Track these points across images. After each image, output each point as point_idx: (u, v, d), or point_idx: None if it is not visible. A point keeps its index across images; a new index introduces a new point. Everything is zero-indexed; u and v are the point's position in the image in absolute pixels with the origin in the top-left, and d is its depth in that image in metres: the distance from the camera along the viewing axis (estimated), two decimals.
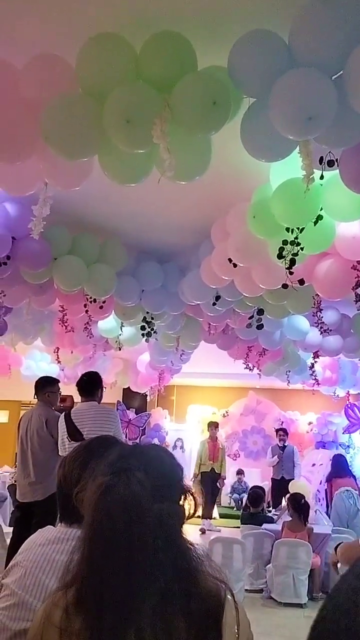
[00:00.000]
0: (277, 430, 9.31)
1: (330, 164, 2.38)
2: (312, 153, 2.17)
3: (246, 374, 6.94)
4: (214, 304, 4.43)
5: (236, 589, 4.99)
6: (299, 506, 5.39)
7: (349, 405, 10.01)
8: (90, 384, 4.24)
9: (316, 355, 5.91)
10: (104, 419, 4.03)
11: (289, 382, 7.32)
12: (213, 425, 9.51)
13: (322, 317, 4.34)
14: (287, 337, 5.73)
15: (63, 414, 4.17)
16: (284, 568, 5.09)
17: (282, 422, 11.77)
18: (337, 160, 2.37)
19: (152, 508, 0.92)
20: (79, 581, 0.95)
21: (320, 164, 2.38)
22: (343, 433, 10.38)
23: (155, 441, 12.37)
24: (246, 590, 5.38)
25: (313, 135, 2.00)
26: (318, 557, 5.31)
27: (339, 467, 6.87)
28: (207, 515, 8.84)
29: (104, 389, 4.34)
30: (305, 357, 6.67)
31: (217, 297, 4.40)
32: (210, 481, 9.02)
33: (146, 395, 9.72)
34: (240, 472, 11.07)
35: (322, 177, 2.47)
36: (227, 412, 12.63)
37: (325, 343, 5.78)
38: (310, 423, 11.60)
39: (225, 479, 9.44)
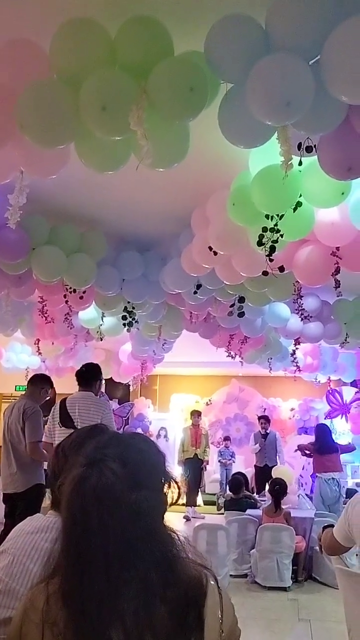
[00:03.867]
0: (259, 418, 9.40)
1: (309, 150, 2.38)
2: (291, 139, 2.17)
3: (228, 362, 6.97)
4: (195, 292, 4.43)
5: (221, 575, 5.06)
6: (277, 491, 5.47)
7: (330, 391, 10.14)
8: (88, 375, 4.39)
9: (297, 342, 5.96)
10: (96, 409, 4.17)
11: (270, 369, 7.38)
12: (196, 414, 9.66)
13: (302, 304, 4.37)
14: (268, 324, 5.76)
15: (59, 401, 4.29)
16: (268, 552, 5.16)
17: (265, 409, 11.89)
18: (315, 146, 2.36)
19: (129, 498, 0.92)
20: (60, 572, 0.94)
21: (299, 150, 2.38)
22: (325, 418, 10.51)
23: (139, 431, 12.42)
24: (231, 575, 5.44)
25: (291, 121, 1.99)
26: (303, 541, 5.39)
27: (324, 441, 6.88)
28: (191, 502, 8.90)
29: (102, 381, 4.44)
30: (287, 344, 6.72)
31: (199, 286, 4.40)
32: (193, 467, 9.08)
33: (129, 385, 9.72)
34: (227, 439, 11.15)
35: (300, 164, 2.47)
36: (210, 401, 12.70)
37: (306, 330, 5.83)
38: (292, 409, 11.74)
39: (208, 463, 9.54)
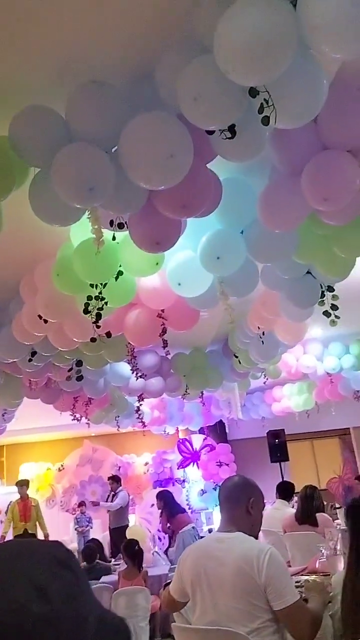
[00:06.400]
0: (108, 479, 9.27)
1: (121, 226, 2.55)
2: (100, 218, 2.32)
3: (79, 423, 6.85)
4: (30, 360, 4.36)
5: None
6: (133, 553, 5.40)
7: (181, 441, 10.42)
8: None
9: (141, 397, 6.09)
10: None
11: (118, 427, 7.42)
12: (21, 484, 8.99)
13: (137, 363, 4.52)
14: (111, 383, 5.83)
15: None
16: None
17: (119, 467, 11.78)
18: (126, 222, 2.55)
19: None
20: None
21: (112, 226, 2.54)
22: (178, 468, 10.71)
23: None
24: None
25: (95, 204, 2.14)
26: (157, 599, 5.34)
27: (175, 503, 7.06)
28: None
29: None
30: (133, 401, 6.83)
31: (33, 353, 4.34)
32: None
33: None
34: (82, 504, 10.72)
35: (114, 238, 2.65)
36: (62, 466, 12.24)
37: (148, 385, 6.00)
38: (146, 463, 11.78)
39: (48, 537, 8.96)
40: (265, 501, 2.57)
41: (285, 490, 5.43)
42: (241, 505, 2.29)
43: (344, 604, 1.89)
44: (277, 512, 5.29)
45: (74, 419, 6.37)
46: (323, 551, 2.91)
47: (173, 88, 1.91)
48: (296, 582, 2.68)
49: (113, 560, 7.18)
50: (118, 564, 6.35)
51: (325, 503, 4.80)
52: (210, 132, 1.97)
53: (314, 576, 2.68)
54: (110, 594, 5.27)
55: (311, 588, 2.29)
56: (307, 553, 3.93)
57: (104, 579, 5.77)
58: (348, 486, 9.10)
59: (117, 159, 2.11)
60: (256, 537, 2.31)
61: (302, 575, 2.91)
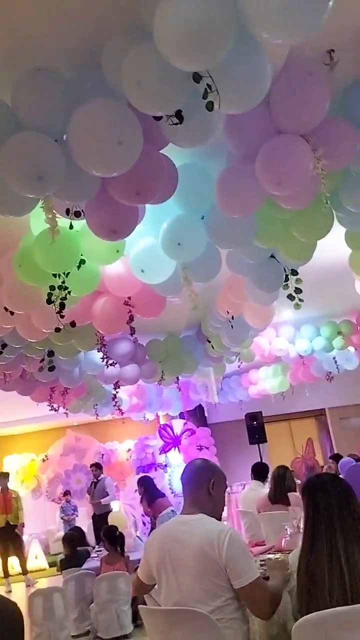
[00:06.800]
0: (90, 466, 9.30)
1: (77, 214, 2.53)
2: (54, 207, 2.31)
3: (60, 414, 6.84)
4: (1, 352, 4.34)
5: (61, 639, 4.87)
6: (113, 538, 5.46)
7: (162, 426, 10.47)
8: None
9: (117, 385, 6.10)
10: None
11: (97, 415, 7.44)
12: (2, 477, 9.10)
13: (107, 351, 4.53)
14: (86, 372, 5.82)
15: None
16: (106, 603, 5.09)
17: (103, 455, 11.83)
18: (82, 211, 2.54)
19: None
20: None
21: (68, 215, 2.53)
22: (160, 454, 10.78)
23: None
24: (73, 636, 5.24)
25: (46, 193, 2.13)
26: None
27: (155, 488, 7.11)
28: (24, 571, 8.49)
29: None
30: (110, 389, 6.84)
31: (4, 345, 4.32)
32: (8, 537, 8.58)
33: None
34: (67, 493, 10.78)
35: (71, 227, 2.63)
36: (46, 456, 12.26)
37: (123, 373, 6.01)
38: (129, 450, 11.84)
39: (24, 526, 9.04)
40: (243, 482, 2.61)
41: (259, 472, 5.51)
42: (202, 487, 2.33)
43: (298, 579, 1.94)
44: (252, 493, 5.38)
45: (51, 409, 6.36)
46: (287, 529, 2.98)
47: (119, 74, 1.90)
48: (261, 560, 2.75)
49: (97, 547, 7.24)
50: (100, 550, 6.41)
51: (298, 482, 4.88)
52: (158, 118, 1.97)
53: (279, 555, 2.74)
54: (93, 579, 5.34)
55: (272, 566, 2.35)
56: (280, 532, 4.00)
57: (88, 565, 5.82)
58: (310, 466, 9.30)
59: (66, 146, 2.09)
60: (219, 518, 2.35)
61: (268, 554, 2.98)
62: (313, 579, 1.87)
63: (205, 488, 2.33)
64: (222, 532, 2.13)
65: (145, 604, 2.64)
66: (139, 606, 2.26)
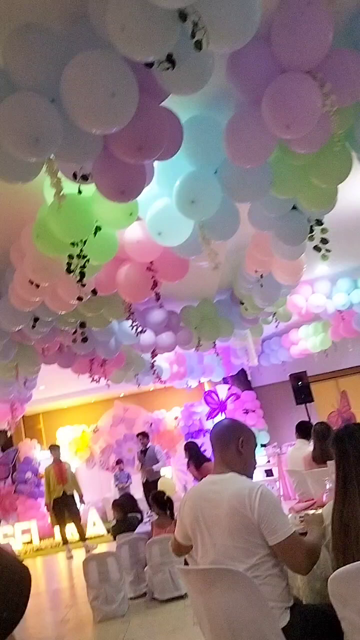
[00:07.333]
0: (137, 435, 9.44)
1: (85, 178, 2.48)
2: (58, 171, 2.26)
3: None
4: (34, 326, 4.39)
5: (117, 601, 5.04)
6: (163, 503, 5.55)
7: (207, 393, 10.51)
8: None
9: (154, 354, 6.12)
10: None
11: (139, 384, 7.51)
12: (54, 448, 9.23)
13: (135, 319, 4.51)
14: (122, 342, 5.85)
15: None
16: (159, 566, 5.21)
17: (151, 424, 12.02)
18: (89, 174, 2.48)
19: None
20: None
21: (75, 179, 2.48)
22: (207, 419, 10.85)
23: (29, 475, 11.92)
24: (130, 598, 5.41)
25: (46, 155, 2.08)
26: None
27: (200, 453, 7.19)
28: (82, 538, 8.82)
29: None
30: (149, 358, 6.87)
31: (36, 319, 4.37)
32: (65, 506, 8.81)
33: (5, 431, 9.31)
34: (119, 462, 11.06)
35: (80, 192, 2.59)
36: (97, 427, 12.57)
37: (159, 341, 6.02)
38: (176, 418, 11.98)
39: (83, 496, 9.28)
40: (292, 442, 2.56)
41: (304, 430, 5.43)
42: (231, 446, 2.30)
43: (333, 531, 1.90)
44: (298, 452, 5.33)
45: (92, 381, 6.46)
46: (328, 484, 2.92)
47: (105, 23, 1.81)
48: (300, 516, 2.71)
49: (149, 511, 7.41)
50: (151, 515, 6.55)
51: None
52: (150, 65, 1.87)
53: (320, 510, 2.70)
54: (145, 543, 5.46)
55: (310, 521, 2.31)
56: None
57: (140, 529, 5.96)
58: (346, 418, 9.13)
59: (61, 106, 2.03)
60: (250, 476, 2.31)
61: (311, 509, 2.94)
62: (347, 530, 1.82)
63: (235, 446, 2.29)
64: (253, 489, 2.10)
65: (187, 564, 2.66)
66: (177, 567, 2.28)
